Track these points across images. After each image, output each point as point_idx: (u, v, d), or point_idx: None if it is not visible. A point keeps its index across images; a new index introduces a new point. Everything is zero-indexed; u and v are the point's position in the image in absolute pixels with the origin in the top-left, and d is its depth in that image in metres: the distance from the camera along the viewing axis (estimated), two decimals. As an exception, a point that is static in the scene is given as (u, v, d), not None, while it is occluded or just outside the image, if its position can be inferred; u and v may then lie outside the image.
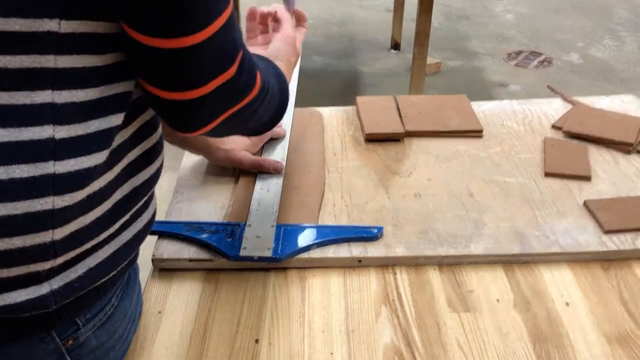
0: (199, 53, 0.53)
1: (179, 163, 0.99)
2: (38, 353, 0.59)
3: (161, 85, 0.55)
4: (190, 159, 0.99)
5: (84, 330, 0.62)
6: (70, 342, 0.61)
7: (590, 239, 0.83)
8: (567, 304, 0.75)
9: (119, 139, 0.57)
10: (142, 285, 0.78)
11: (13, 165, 0.49)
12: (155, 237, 0.83)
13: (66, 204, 0.52)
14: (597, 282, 0.78)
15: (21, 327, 0.56)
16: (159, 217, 0.84)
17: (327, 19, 4.00)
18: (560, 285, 0.78)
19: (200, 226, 0.83)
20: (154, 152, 0.64)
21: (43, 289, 0.54)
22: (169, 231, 0.82)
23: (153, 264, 0.81)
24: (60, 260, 0.54)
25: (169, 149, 0.98)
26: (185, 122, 0.60)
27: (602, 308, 0.74)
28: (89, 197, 0.54)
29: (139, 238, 0.64)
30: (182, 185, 0.94)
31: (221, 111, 0.60)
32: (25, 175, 0.50)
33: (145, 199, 0.64)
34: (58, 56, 0.49)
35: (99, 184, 0.55)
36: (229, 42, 0.56)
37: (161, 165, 0.66)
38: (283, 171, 0.95)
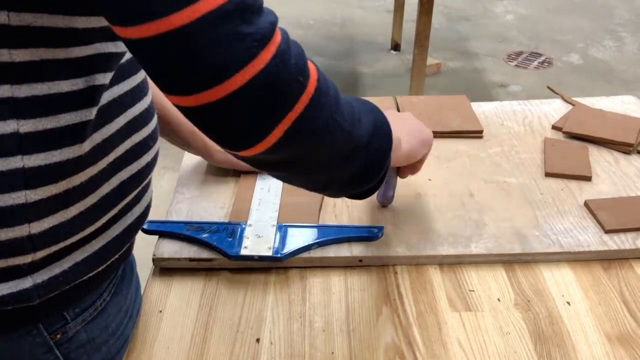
0: (185, 42, 0.42)
1: (180, 163, 0.99)
2: (26, 346, 0.59)
3: (165, 88, 0.46)
4: (190, 159, 0.99)
5: (73, 325, 0.61)
6: (58, 335, 0.61)
7: (591, 238, 0.83)
8: (568, 303, 0.75)
9: (103, 134, 0.56)
10: (143, 285, 0.78)
11: None
12: (155, 237, 0.83)
13: (40, 198, 0.52)
14: (597, 281, 0.78)
15: (6, 320, 0.56)
16: (160, 217, 0.84)
17: (327, 19, 4.00)
18: (561, 284, 0.78)
19: (200, 226, 0.83)
20: (144, 147, 0.63)
21: (26, 282, 0.54)
22: (170, 231, 0.82)
23: (154, 264, 0.81)
24: (41, 254, 0.54)
25: (169, 149, 0.99)
26: (222, 136, 0.49)
27: (603, 307, 0.74)
28: (67, 191, 0.54)
29: (130, 232, 0.64)
30: (182, 185, 0.94)
31: (269, 116, 0.48)
32: None
33: (135, 193, 0.63)
34: (12, 50, 0.48)
35: (80, 179, 0.54)
36: (236, 22, 0.44)
37: (153, 159, 0.65)
38: (284, 171, 0.95)
